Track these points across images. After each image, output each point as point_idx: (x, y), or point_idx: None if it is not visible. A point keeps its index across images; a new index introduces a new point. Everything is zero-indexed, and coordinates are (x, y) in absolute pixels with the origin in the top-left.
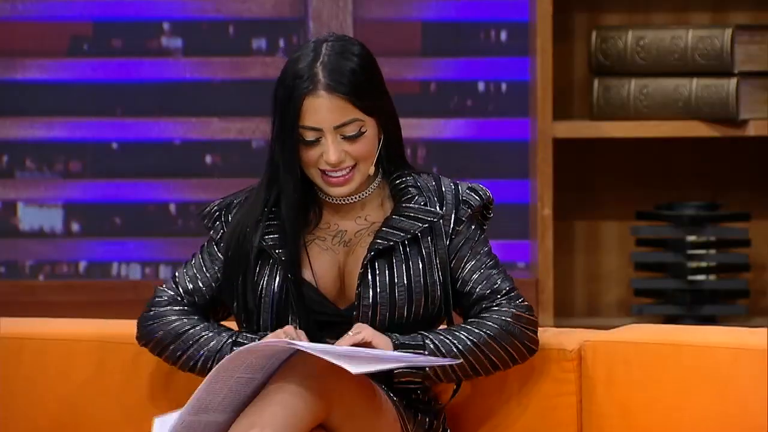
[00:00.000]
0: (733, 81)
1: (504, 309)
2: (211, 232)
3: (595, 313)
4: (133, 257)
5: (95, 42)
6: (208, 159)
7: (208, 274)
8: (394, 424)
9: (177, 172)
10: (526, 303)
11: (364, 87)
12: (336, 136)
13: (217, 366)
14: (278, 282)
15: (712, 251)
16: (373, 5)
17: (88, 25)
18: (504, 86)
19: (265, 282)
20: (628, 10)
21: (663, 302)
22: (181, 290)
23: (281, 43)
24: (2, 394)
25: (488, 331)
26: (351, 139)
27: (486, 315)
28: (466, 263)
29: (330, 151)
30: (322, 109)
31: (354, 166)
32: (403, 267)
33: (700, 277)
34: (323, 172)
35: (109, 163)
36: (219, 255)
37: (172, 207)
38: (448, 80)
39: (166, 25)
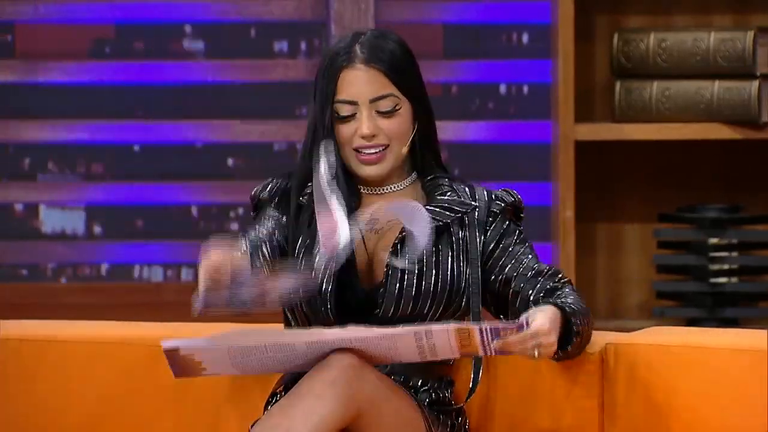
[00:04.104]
0: (755, 83)
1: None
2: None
3: (616, 315)
4: (154, 260)
5: (117, 44)
6: (230, 162)
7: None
8: (419, 426)
9: (199, 174)
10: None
11: (402, 66)
12: (371, 111)
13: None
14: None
15: (734, 254)
16: (395, 8)
17: (110, 27)
18: (525, 88)
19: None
20: (649, 13)
21: (685, 305)
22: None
23: (303, 45)
24: (25, 396)
25: (583, 304)
26: (386, 114)
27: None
28: (506, 257)
29: (364, 124)
30: (359, 82)
31: (387, 147)
32: (432, 255)
33: (722, 280)
34: (357, 151)
35: (131, 165)
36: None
37: (194, 209)
38: (470, 83)
39: (187, 28)
